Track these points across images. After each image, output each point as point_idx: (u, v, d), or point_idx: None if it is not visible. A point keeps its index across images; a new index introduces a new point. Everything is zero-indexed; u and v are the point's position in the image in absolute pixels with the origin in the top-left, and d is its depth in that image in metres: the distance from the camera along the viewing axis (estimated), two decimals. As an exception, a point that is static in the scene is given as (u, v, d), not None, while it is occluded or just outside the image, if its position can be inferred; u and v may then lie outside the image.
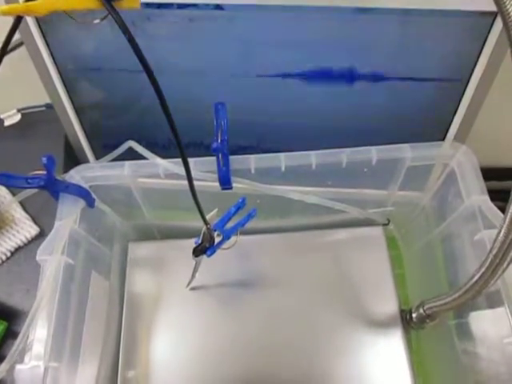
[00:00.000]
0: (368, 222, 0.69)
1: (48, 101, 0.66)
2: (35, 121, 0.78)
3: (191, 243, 0.69)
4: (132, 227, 0.70)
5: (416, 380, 0.60)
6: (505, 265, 0.42)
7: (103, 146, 0.72)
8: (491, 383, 0.52)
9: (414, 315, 0.62)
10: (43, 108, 0.75)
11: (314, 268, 0.68)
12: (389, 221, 0.69)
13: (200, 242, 0.53)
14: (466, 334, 0.57)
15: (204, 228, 0.50)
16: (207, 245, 0.52)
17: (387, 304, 0.65)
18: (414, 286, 0.72)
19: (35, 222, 0.70)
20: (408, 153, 0.56)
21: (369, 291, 0.66)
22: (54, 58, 0.58)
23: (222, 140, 0.52)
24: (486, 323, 0.53)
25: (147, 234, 0.71)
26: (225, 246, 0.55)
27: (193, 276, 0.62)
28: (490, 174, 0.64)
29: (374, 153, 0.56)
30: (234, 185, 0.57)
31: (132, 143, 0.61)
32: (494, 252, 0.42)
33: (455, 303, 0.51)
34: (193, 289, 0.67)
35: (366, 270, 0.67)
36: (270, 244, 0.70)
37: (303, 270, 0.68)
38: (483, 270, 0.44)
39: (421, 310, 0.59)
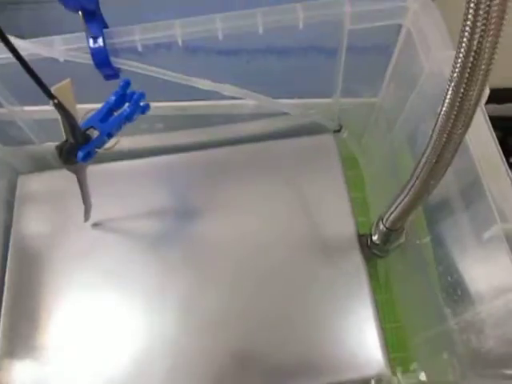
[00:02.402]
0: (315, 129, 0.54)
1: None
2: None
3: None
4: (20, 156, 0.56)
5: (378, 310, 0.46)
6: (460, 125, 0.28)
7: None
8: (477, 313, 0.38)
9: (375, 237, 0.48)
10: None
11: (252, 190, 0.53)
12: (341, 127, 0.54)
13: (65, 139, 0.38)
14: (440, 250, 0.43)
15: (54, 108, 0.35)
16: (72, 140, 0.38)
17: (342, 228, 0.51)
18: (378, 211, 0.57)
19: None
20: (346, 8, 0.42)
21: (320, 213, 0.52)
22: None
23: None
24: (463, 229, 0.39)
25: (41, 164, 0.57)
26: (106, 146, 0.41)
27: (86, 202, 0.48)
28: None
29: (299, 11, 0.41)
30: (118, 67, 0.43)
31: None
32: (446, 105, 0.27)
33: (414, 197, 0.36)
34: (97, 225, 0.53)
35: (314, 187, 0.53)
36: (196, 163, 0.55)
37: (240, 192, 0.53)
38: (435, 136, 0.29)
39: (381, 226, 0.45)
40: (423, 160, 0.32)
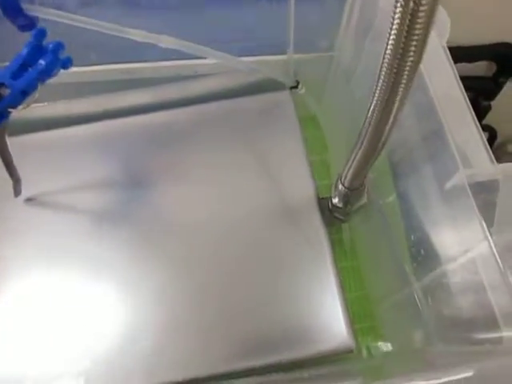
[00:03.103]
0: (270, 87, 0.50)
1: None
2: None
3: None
4: None
5: (340, 279, 0.42)
6: (412, 50, 0.23)
7: None
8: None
9: (335, 200, 0.44)
10: None
11: (204, 155, 0.49)
12: (298, 82, 0.50)
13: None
14: (405, 208, 0.40)
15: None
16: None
17: (301, 192, 0.47)
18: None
19: None
20: None
21: (277, 177, 0.48)
22: None
23: None
24: (427, 182, 0.36)
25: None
26: (22, 106, 0.36)
27: (12, 175, 0.43)
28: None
29: None
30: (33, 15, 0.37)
31: None
32: (395, 25, 0.23)
33: (368, 148, 0.32)
34: (32, 200, 0.48)
35: (271, 149, 0.48)
36: (140, 128, 0.50)
37: (191, 158, 0.49)
38: (385, 66, 0.25)
39: (340, 187, 0.42)
40: (374, 101, 0.27)
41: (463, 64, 0.73)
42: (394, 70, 0.24)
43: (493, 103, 0.76)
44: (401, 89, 0.25)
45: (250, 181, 0.48)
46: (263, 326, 0.43)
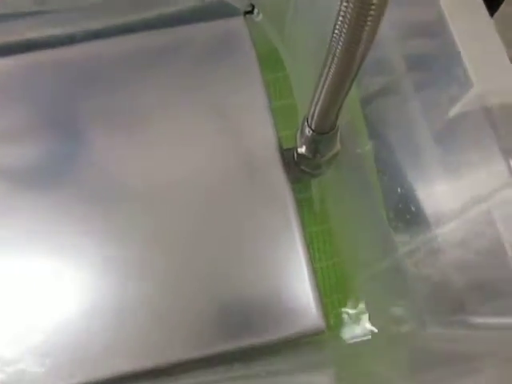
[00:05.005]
0: (220, 12, 0.40)
1: None
2: None
3: None
4: None
5: (308, 247, 0.35)
6: None
7: None
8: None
9: (302, 149, 0.36)
10: None
11: (144, 97, 0.39)
12: (253, 6, 0.40)
13: None
14: (386, 154, 0.31)
15: None
16: None
17: (261, 143, 0.39)
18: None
19: None
20: None
21: (232, 126, 0.39)
22: None
23: None
24: (415, 119, 0.27)
25: None
26: None
27: None
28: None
29: None
30: None
31: None
32: None
33: (339, 73, 0.24)
34: None
35: (224, 88, 0.39)
36: (67, 63, 0.39)
37: (126, 100, 0.39)
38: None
39: (307, 130, 0.33)
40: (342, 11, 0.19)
41: None
42: None
43: None
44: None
45: (201, 131, 0.39)
46: (220, 309, 0.35)
